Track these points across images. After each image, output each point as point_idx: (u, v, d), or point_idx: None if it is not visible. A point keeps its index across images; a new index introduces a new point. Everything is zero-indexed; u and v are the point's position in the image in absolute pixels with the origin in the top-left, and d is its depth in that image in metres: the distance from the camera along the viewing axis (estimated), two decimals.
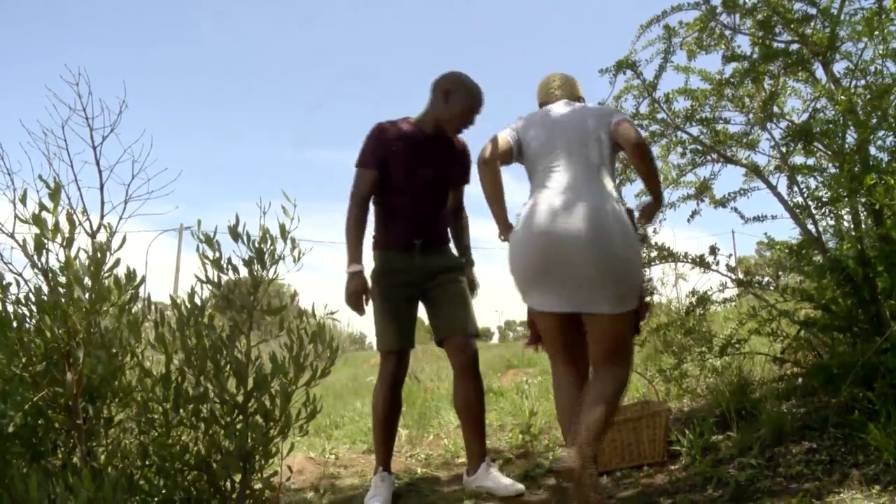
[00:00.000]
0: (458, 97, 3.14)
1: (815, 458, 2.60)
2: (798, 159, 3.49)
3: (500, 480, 3.02)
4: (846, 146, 3.16)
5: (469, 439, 3.16)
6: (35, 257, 1.73)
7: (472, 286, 3.34)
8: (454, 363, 3.16)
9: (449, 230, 3.36)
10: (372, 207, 3.26)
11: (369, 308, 3.14)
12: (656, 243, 3.50)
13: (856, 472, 2.38)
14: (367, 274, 3.14)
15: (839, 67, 3.33)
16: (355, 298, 3.06)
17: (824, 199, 3.19)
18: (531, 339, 2.85)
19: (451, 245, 3.37)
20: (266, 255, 1.88)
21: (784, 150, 3.44)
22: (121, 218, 1.89)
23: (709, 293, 3.63)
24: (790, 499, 2.29)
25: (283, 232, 1.89)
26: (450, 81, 3.17)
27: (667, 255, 3.50)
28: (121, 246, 1.80)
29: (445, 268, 3.21)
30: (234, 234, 1.88)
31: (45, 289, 1.73)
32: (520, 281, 2.51)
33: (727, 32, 3.50)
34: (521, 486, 2.99)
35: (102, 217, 1.86)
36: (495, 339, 38.16)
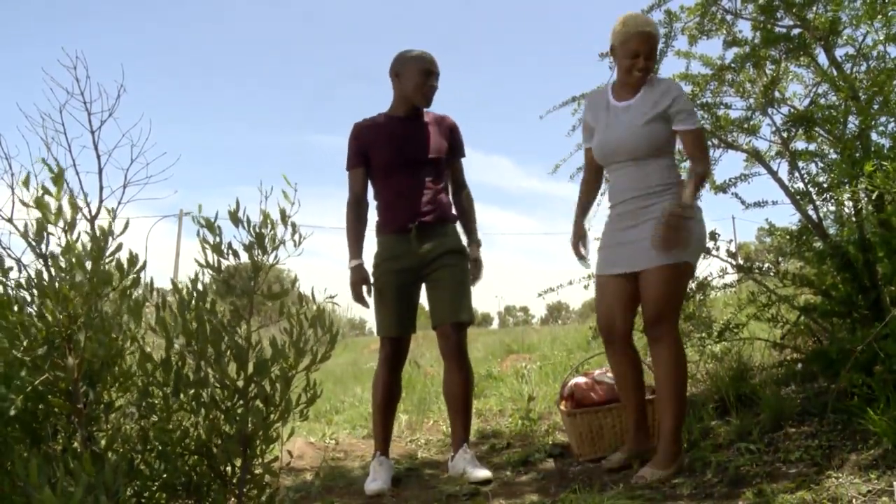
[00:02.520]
0: (407, 70, 3.22)
1: (814, 444, 2.61)
2: (799, 145, 3.48)
3: (469, 466, 3.06)
4: (847, 132, 3.15)
5: (452, 425, 3.23)
6: (35, 242, 1.73)
7: (477, 266, 3.31)
8: (440, 350, 3.21)
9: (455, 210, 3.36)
10: (374, 202, 3.33)
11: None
12: None
13: (854, 456, 2.39)
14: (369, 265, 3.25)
15: (841, 52, 3.32)
16: (356, 290, 3.15)
17: (825, 185, 3.18)
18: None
19: (457, 225, 3.34)
20: (267, 240, 1.88)
21: (785, 135, 3.43)
22: (119, 202, 1.88)
23: (709, 279, 3.64)
24: (789, 483, 2.30)
25: (284, 217, 1.89)
26: (395, 63, 3.27)
27: None
28: (124, 230, 1.80)
29: (445, 252, 3.20)
30: (235, 218, 1.87)
31: (45, 273, 1.73)
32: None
33: (728, 17, 3.49)
34: (486, 473, 3.01)
35: (101, 201, 1.85)
36: (495, 325, 38.23)
